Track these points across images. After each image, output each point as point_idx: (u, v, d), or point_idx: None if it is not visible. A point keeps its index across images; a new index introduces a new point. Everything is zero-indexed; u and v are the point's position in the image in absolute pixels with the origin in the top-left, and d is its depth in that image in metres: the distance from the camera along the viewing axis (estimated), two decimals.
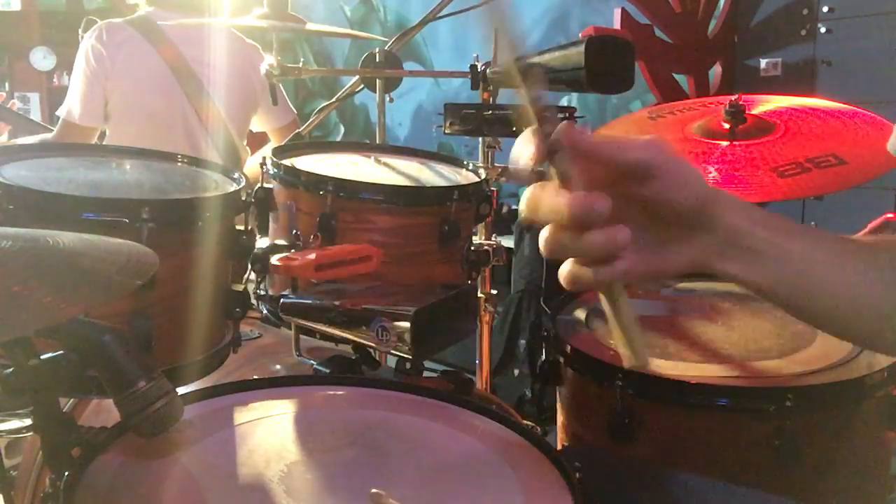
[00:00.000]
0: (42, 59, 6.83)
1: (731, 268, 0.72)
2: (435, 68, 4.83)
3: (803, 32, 2.95)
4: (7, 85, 6.81)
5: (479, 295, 1.58)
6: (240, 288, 1.14)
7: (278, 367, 1.41)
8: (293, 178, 1.19)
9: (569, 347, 1.18)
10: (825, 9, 2.88)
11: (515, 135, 1.48)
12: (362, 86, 1.79)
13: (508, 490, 0.84)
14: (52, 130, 2.48)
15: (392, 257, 1.15)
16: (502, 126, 1.46)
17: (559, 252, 0.67)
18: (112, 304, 0.95)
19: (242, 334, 1.17)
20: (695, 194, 0.68)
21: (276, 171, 1.22)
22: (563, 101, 3.69)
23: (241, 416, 0.96)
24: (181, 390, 0.96)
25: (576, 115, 1.50)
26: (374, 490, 0.80)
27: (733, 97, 1.43)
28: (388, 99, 1.70)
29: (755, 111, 1.45)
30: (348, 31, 3.54)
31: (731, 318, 1.27)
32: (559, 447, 1.21)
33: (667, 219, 0.69)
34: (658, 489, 1.02)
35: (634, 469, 1.09)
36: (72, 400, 1.25)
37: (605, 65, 1.37)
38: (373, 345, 1.09)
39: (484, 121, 1.46)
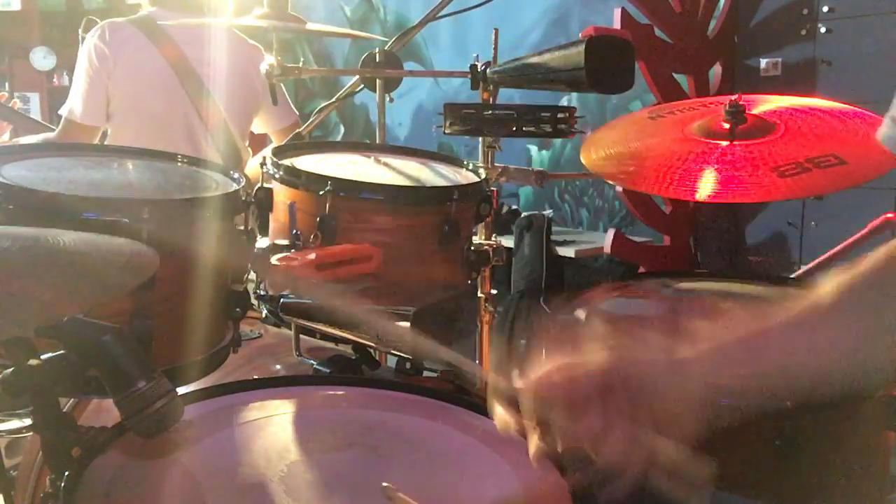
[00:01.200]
0: (42, 59, 6.83)
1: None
2: (435, 68, 4.83)
3: (803, 32, 2.95)
4: (7, 85, 6.81)
5: (479, 295, 1.58)
6: (240, 288, 1.14)
7: (278, 367, 1.41)
8: (293, 178, 1.19)
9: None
10: (825, 9, 2.88)
11: (515, 135, 1.49)
12: (362, 86, 1.79)
13: (508, 490, 0.84)
14: (53, 130, 2.48)
15: (392, 257, 1.15)
16: (502, 126, 1.46)
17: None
18: (112, 304, 0.95)
19: (242, 334, 1.17)
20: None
21: (276, 171, 1.22)
22: (563, 101, 3.70)
23: (241, 416, 0.97)
24: (181, 390, 0.97)
25: (576, 115, 1.50)
26: (385, 483, 0.80)
27: (733, 97, 1.42)
28: (388, 99, 1.70)
29: (755, 111, 1.45)
30: (348, 31, 3.54)
31: (731, 318, 1.27)
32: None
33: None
34: (657, 489, 1.02)
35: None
36: (72, 400, 1.25)
37: (605, 65, 1.37)
38: (373, 345, 1.09)
39: (484, 121, 1.46)
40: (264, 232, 1.26)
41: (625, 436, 0.70)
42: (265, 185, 1.24)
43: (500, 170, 1.59)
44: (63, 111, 2.35)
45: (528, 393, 0.74)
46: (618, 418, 0.70)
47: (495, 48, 1.60)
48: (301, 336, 1.36)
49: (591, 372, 0.72)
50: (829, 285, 0.74)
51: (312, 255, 1.07)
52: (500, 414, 0.80)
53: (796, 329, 0.73)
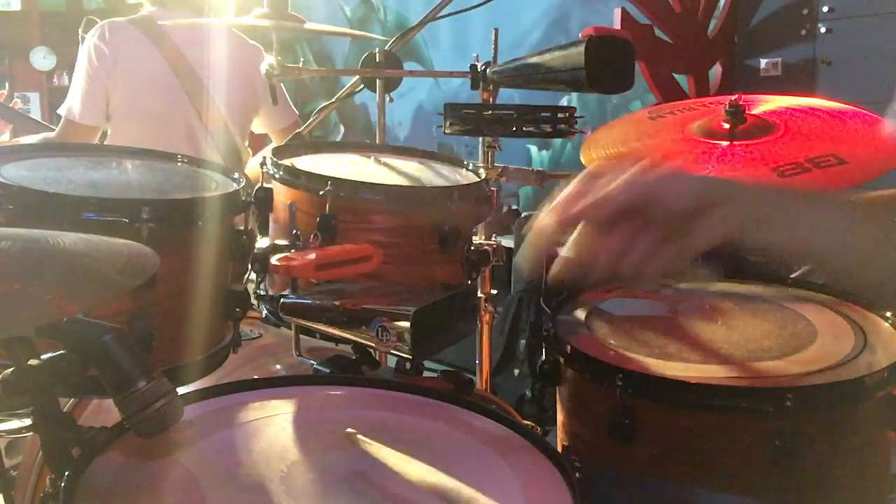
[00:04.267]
0: (42, 59, 6.83)
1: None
2: (435, 68, 4.83)
3: (803, 32, 2.95)
4: (7, 85, 6.82)
5: (479, 295, 1.58)
6: (240, 288, 1.14)
7: (278, 367, 1.41)
8: (293, 178, 1.19)
9: (569, 347, 1.17)
10: (825, 9, 2.88)
11: (515, 135, 1.49)
12: (362, 86, 1.79)
13: (508, 490, 0.84)
14: (53, 130, 2.48)
15: (392, 257, 1.15)
16: (502, 126, 1.46)
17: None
18: (112, 304, 0.95)
19: (242, 334, 1.18)
20: (685, 203, 0.78)
21: (276, 171, 1.22)
22: (563, 101, 3.69)
23: (241, 416, 0.96)
24: (181, 390, 0.97)
25: (576, 115, 1.50)
26: (348, 430, 0.83)
27: (733, 97, 1.42)
28: (388, 99, 1.70)
29: (755, 111, 1.45)
30: (348, 31, 3.55)
31: (731, 318, 1.27)
32: (559, 447, 1.21)
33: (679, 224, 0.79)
34: (658, 489, 1.02)
35: (634, 469, 1.09)
36: (72, 400, 1.25)
37: (605, 65, 1.37)
38: (373, 345, 1.09)
39: (484, 121, 1.46)
40: (264, 232, 1.26)
41: (645, 254, 0.78)
42: (265, 185, 1.24)
43: (500, 170, 1.59)
44: (62, 111, 2.35)
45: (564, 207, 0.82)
46: (642, 238, 0.78)
47: (495, 48, 1.60)
48: (301, 336, 1.36)
49: (628, 187, 0.79)
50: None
51: (312, 255, 1.07)
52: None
53: (832, 204, 0.83)
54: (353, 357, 1.29)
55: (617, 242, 0.80)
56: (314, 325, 1.15)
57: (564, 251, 0.83)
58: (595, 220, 0.81)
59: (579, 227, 0.82)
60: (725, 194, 0.78)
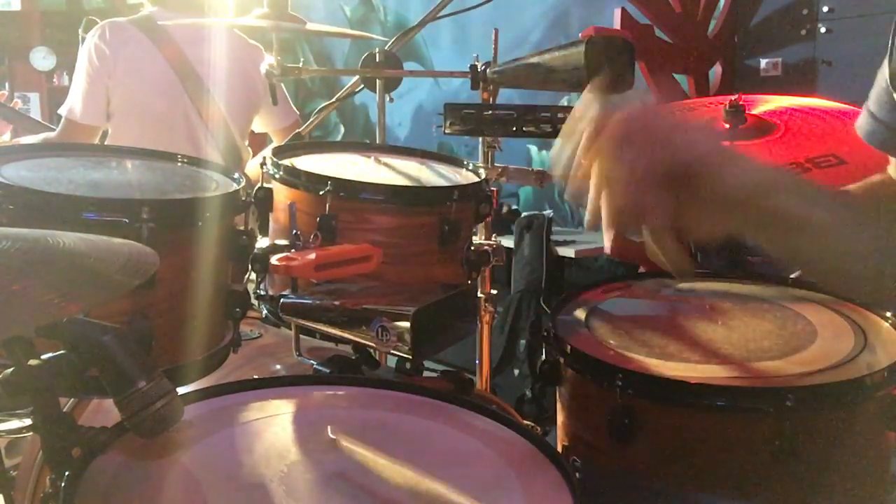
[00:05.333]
0: (42, 59, 6.83)
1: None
2: (435, 68, 4.83)
3: (803, 32, 2.95)
4: (7, 85, 6.81)
5: (479, 295, 1.58)
6: (240, 288, 1.14)
7: (278, 367, 1.41)
8: (293, 178, 1.19)
9: (569, 347, 1.17)
10: (825, 9, 2.88)
11: (515, 135, 1.49)
12: (362, 86, 1.79)
13: (508, 490, 0.84)
14: (53, 130, 2.48)
15: (392, 257, 1.15)
16: (502, 126, 1.46)
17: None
18: (112, 304, 0.95)
19: (242, 334, 1.17)
20: (740, 189, 0.75)
21: (276, 171, 1.22)
22: (564, 101, 3.69)
23: (241, 416, 0.96)
24: (181, 390, 0.96)
25: None
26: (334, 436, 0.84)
27: (733, 97, 1.42)
28: (388, 99, 1.70)
29: (755, 111, 1.45)
30: (348, 31, 3.55)
31: (731, 318, 1.27)
32: (559, 447, 1.21)
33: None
34: (658, 489, 1.02)
35: (634, 469, 1.09)
36: (72, 400, 1.25)
37: (605, 65, 1.37)
38: (373, 345, 1.09)
39: (484, 121, 1.46)
40: (264, 232, 1.26)
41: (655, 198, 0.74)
42: (265, 185, 1.24)
43: (500, 170, 1.59)
44: (63, 111, 2.35)
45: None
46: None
47: (495, 48, 1.60)
48: (301, 336, 1.36)
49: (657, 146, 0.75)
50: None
51: (312, 255, 1.07)
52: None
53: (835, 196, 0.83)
54: (353, 357, 1.29)
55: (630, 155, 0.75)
56: (314, 325, 1.15)
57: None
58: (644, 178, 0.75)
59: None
60: (729, 160, 0.75)
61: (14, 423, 1.14)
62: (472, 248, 1.27)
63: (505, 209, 3.85)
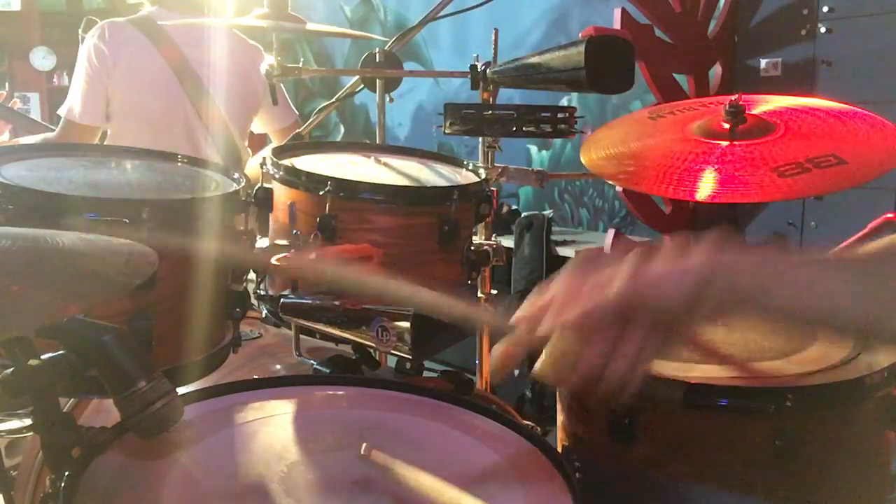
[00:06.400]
0: (42, 59, 6.83)
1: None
2: (435, 68, 4.84)
3: (803, 32, 2.95)
4: (7, 85, 6.82)
5: (479, 295, 1.58)
6: (240, 288, 1.14)
7: (278, 367, 1.41)
8: (293, 178, 1.19)
9: None
10: (825, 9, 2.88)
11: (515, 135, 1.49)
12: (362, 86, 1.79)
13: (508, 490, 0.84)
14: (53, 130, 2.48)
15: (392, 257, 1.15)
16: (502, 126, 1.46)
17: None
18: (112, 304, 0.95)
19: (242, 334, 1.18)
20: (684, 301, 0.74)
21: (276, 171, 1.22)
22: (564, 101, 3.70)
23: (241, 416, 0.96)
24: (181, 390, 0.96)
25: (576, 115, 1.50)
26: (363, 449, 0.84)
27: (733, 97, 1.42)
28: (388, 99, 1.70)
29: (755, 111, 1.45)
30: (348, 31, 3.54)
31: (731, 318, 1.27)
32: (559, 447, 1.21)
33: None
34: (658, 489, 1.02)
35: (634, 469, 1.09)
36: (72, 400, 1.25)
37: (605, 65, 1.37)
38: (373, 345, 1.09)
39: (484, 121, 1.46)
40: (264, 232, 1.26)
41: (634, 356, 0.74)
42: (265, 185, 1.24)
43: (500, 170, 1.59)
44: (62, 111, 2.35)
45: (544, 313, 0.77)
46: (629, 340, 0.75)
47: (495, 48, 1.60)
48: (301, 336, 1.36)
49: (614, 297, 0.74)
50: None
51: (312, 255, 1.07)
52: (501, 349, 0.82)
53: (837, 266, 0.80)
54: (353, 357, 1.29)
55: (600, 347, 0.74)
56: (314, 325, 1.15)
57: (539, 364, 0.78)
58: (580, 330, 0.75)
59: (553, 336, 0.77)
60: (723, 276, 0.75)
61: (14, 423, 1.14)
62: (472, 248, 1.27)
63: (505, 209, 3.86)
